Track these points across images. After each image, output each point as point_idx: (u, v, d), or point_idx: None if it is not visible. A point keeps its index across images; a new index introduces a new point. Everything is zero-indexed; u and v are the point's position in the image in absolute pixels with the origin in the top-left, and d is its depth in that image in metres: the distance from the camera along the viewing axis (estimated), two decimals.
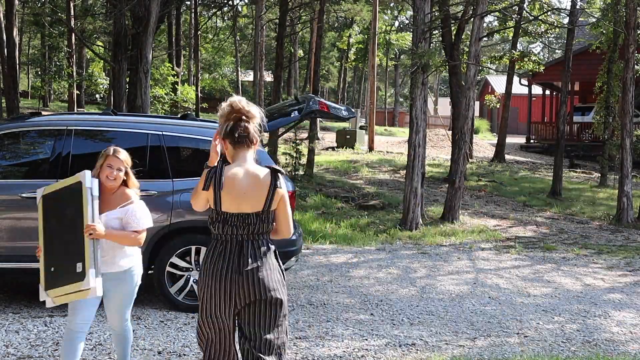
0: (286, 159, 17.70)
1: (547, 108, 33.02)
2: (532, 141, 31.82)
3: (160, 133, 6.58)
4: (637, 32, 14.38)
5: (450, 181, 12.95)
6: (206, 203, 3.58)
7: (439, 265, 9.27)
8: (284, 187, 3.54)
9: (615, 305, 7.41)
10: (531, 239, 11.61)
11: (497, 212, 14.46)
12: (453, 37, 17.13)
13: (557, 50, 57.17)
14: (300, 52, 44.88)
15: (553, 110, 31.39)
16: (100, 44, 33.26)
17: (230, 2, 30.46)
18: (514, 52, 20.33)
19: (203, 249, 6.42)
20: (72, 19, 26.26)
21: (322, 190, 15.56)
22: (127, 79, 13.66)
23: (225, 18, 35.30)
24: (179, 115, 7.89)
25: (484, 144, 31.78)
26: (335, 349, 5.59)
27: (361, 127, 28.70)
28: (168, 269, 6.39)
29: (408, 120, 14.69)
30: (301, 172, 17.41)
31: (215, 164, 3.51)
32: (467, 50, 13.84)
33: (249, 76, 49.62)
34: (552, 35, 55.75)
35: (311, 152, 18.72)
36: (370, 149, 26.02)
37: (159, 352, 5.33)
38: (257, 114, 3.54)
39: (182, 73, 29.54)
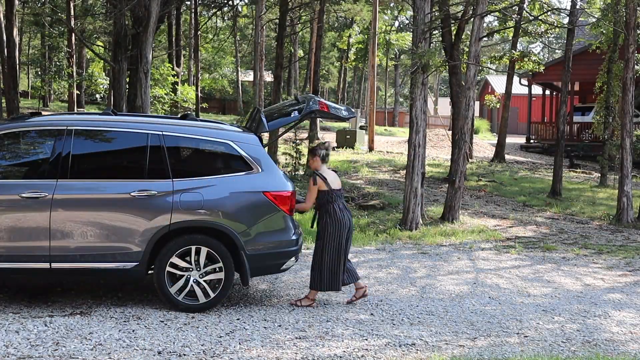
0: (286, 159, 17.71)
1: (547, 108, 33.02)
2: (532, 141, 31.82)
3: (160, 133, 6.58)
4: (637, 32, 14.38)
5: (450, 181, 12.95)
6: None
7: (439, 265, 9.27)
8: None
9: (615, 305, 7.41)
10: (531, 239, 11.61)
11: (497, 212, 14.46)
12: (453, 37, 17.13)
13: (557, 50, 57.18)
14: (300, 52, 44.87)
15: (553, 110, 31.39)
16: (100, 44, 33.27)
17: (230, 2, 30.46)
18: (514, 52, 20.33)
19: (203, 249, 6.43)
20: (72, 19, 26.28)
21: None
22: (127, 79, 13.66)
23: (225, 18, 35.29)
24: (179, 115, 7.89)
25: (484, 144, 31.78)
26: (335, 349, 5.60)
27: (361, 127, 28.71)
28: (168, 269, 6.39)
29: (408, 120, 14.70)
30: (301, 172, 17.41)
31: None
32: (467, 50, 13.84)
33: (249, 76, 49.64)
34: (552, 35, 55.77)
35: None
36: (370, 149, 26.03)
37: (159, 352, 5.33)
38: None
39: (182, 73, 29.54)
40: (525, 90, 33.75)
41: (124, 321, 6.06)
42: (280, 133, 10.08)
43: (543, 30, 18.01)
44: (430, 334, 6.13)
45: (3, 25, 18.34)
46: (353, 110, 8.17)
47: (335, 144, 26.92)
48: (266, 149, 7.17)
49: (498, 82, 45.08)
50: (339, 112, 7.72)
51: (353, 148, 26.03)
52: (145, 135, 6.55)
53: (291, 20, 28.09)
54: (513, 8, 18.77)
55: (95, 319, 6.08)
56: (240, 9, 36.07)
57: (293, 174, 16.98)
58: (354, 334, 6.04)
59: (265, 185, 6.60)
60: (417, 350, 5.67)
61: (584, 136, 29.83)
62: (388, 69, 52.83)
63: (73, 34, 26.66)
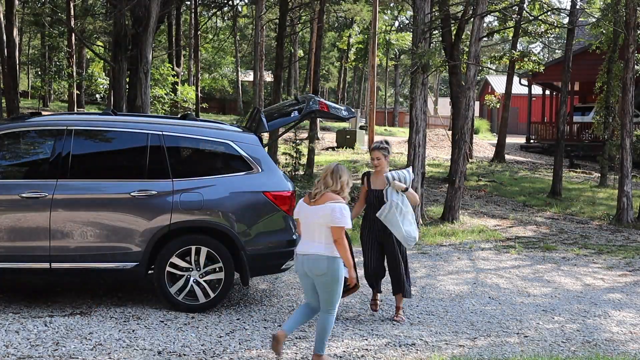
0: (286, 159, 17.70)
1: (547, 108, 33.00)
2: (532, 141, 31.81)
3: (160, 133, 6.58)
4: (637, 32, 14.38)
5: (450, 181, 12.95)
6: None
7: (439, 265, 9.27)
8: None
9: (615, 305, 7.41)
10: (531, 239, 11.61)
11: (497, 212, 14.46)
12: (453, 37, 17.12)
13: (557, 50, 57.17)
14: (300, 52, 44.87)
15: (553, 110, 31.37)
16: (100, 44, 33.28)
17: (230, 2, 30.46)
18: (514, 52, 20.32)
19: (203, 249, 6.43)
20: (72, 19, 26.27)
21: None
22: (127, 79, 13.67)
23: (225, 18, 35.30)
24: (179, 115, 7.88)
25: (484, 144, 31.77)
26: (335, 349, 5.60)
27: (361, 127, 28.70)
28: (168, 269, 6.39)
29: (408, 120, 14.70)
30: (301, 172, 17.41)
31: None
32: (467, 50, 13.83)
33: (249, 76, 49.65)
34: (552, 35, 55.73)
35: (311, 152, 18.71)
36: None
37: (159, 352, 5.33)
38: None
39: (182, 73, 29.53)
40: (525, 90, 33.73)
41: (124, 321, 6.06)
42: (280, 133, 10.08)
43: (543, 30, 18.01)
44: (430, 334, 6.13)
45: (3, 25, 18.34)
46: (353, 110, 8.17)
47: (335, 144, 26.92)
48: (266, 149, 7.17)
49: (498, 82, 45.07)
50: (339, 112, 7.72)
51: (353, 148, 26.03)
52: (145, 135, 6.55)
53: (291, 20, 28.08)
54: (513, 8, 18.76)
55: (95, 319, 6.08)
56: (240, 9, 36.08)
57: (293, 174, 16.98)
58: (354, 334, 6.04)
59: (265, 185, 6.60)
60: (417, 350, 5.67)
61: (584, 136, 29.82)
62: (388, 69, 52.83)
63: (73, 34, 26.66)
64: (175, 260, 6.40)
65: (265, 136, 13.90)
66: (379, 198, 6.42)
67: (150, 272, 6.54)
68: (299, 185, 15.40)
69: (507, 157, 26.31)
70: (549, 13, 17.19)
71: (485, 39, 15.76)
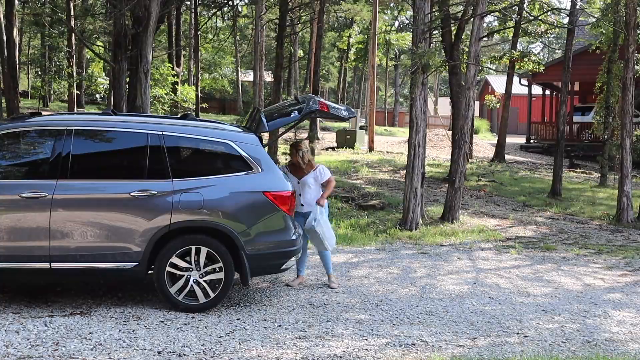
0: (286, 159, 17.70)
1: (547, 108, 33.01)
2: (532, 141, 31.82)
3: (160, 133, 6.58)
4: (637, 32, 14.37)
5: (450, 181, 12.94)
6: None
7: (439, 265, 9.27)
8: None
9: (615, 305, 7.41)
10: (531, 239, 11.61)
11: (497, 212, 14.46)
12: (453, 37, 17.12)
13: (557, 50, 57.16)
14: (300, 52, 44.88)
15: (553, 110, 31.38)
16: (100, 44, 33.24)
17: (230, 2, 30.44)
18: (514, 52, 20.33)
19: (203, 249, 6.43)
20: (72, 19, 26.26)
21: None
22: (127, 79, 13.66)
23: (225, 18, 35.27)
24: (179, 115, 7.89)
25: (484, 144, 31.77)
26: (335, 349, 5.59)
27: (361, 127, 28.69)
28: (168, 269, 6.39)
29: (408, 120, 14.70)
30: None
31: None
32: (467, 50, 13.83)
33: (249, 76, 49.61)
34: (552, 35, 55.76)
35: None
36: (370, 149, 26.02)
37: (159, 352, 5.33)
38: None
39: (182, 73, 29.54)
40: (525, 90, 33.74)
41: (124, 321, 6.06)
42: (280, 133, 10.08)
43: (543, 30, 18.03)
44: (430, 334, 6.13)
45: (3, 25, 18.35)
46: (353, 110, 8.18)
47: (335, 144, 26.92)
48: (266, 149, 7.17)
49: (498, 82, 45.05)
50: (339, 112, 7.72)
51: (353, 148, 26.02)
52: (145, 135, 6.55)
53: (291, 20, 28.09)
54: (513, 8, 18.77)
55: (95, 319, 6.08)
56: (240, 9, 36.06)
57: None
58: (354, 334, 6.04)
59: (265, 185, 6.60)
60: (417, 350, 5.67)
61: (584, 136, 29.82)
62: (388, 69, 52.82)
63: (73, 34, 26.65)
64: (175, 260, 6.40)
65: (265, 136, 13.90)
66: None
67: (150, 272, 6.54)
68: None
69: (507, 157, 26.31)
70: (549, 13, 17.19)
71: (485, 39, 15.76)
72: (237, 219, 6.48)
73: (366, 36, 40.81)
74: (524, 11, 18.80)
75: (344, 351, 5.56)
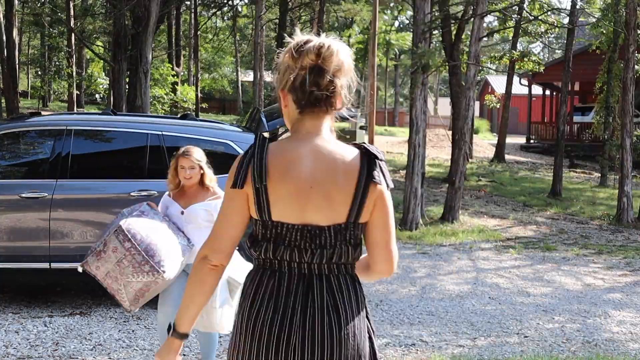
0: None
1: (547, 108, 33.00)
2: (532, 141, 31.81)
3: (160, 133, 6.57)
4: (637, 32, 14.36)
5: (450, 181, 12.94)
6: (243, 219, 2.14)
7: (439, 265, 9.26)
8: (384, 183, 2.12)
9: (615, 305, 7.40)
10: (531, 239, 11.61)
11: (497, 212, 14.46)
12: (453, 37, 17.12)
13: (557, 50, 57.14)
14: None
15: (553, 110, 31.37)
16: (100, 44, 33.23)
17: (230, 2, 30.47)
18: (514, 52, 20.28)
19: None
20: (72, 19, 26.24)
21: None
22: (127, 79, 13.67)
23: (225, 18, 35.29)
24: (179, 115, 7.88)
25: (484, 144, 31.77)
26: None
27: (361, 127, 28.66)
28: None
29: (408, 120, 14.70)
30: None
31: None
32: (467, 50, 13.83)
33: (249, 76, 49.57)
34: (552, 35, 55.70)
35: None
36: None
37: None
38: (349, 67, 2.15)
39: (182, 73, 29.53)
40: (525, 90, 33.74)
41: (124, 321, 6.06)
42: (280, 133, 10.08)
43: (543, 30, 18.00)
44: (430, 333, 6.13)
45: (3, 25, 18.34)
46: (353, 110, 8.18)
47: None
48: None
49: (498, 82, 45.05)
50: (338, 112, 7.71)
51: None
52: (145, 135, 6.55)
53: (291, 20, 28.09)
54: (513, 8, 18.76)
55: (95, 319, 6.07)
56: (240, 9, 36.07)
57: None
58: None
59: None
60: (417, 350, 5.66)
61: (584, 136, 29.81)
62: (388, 69, 52.83)
63: (73, 34, 26.63)
64: None
65: (266, 136, 13.89)
66: None
67: None
68: None
69: (507, 157, 26.30)
70: (549, 13, 17.18)
71: (485, 39, 15.75)
72: None
73: (366, 36, 40.80)
74: (524, 11, 18.79)
75: None
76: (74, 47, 29.79)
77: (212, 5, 31.47)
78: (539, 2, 17.75)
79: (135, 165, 6.57)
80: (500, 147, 25.58)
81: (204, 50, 42.44)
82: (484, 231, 11.99)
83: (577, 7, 19.36)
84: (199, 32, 30.71)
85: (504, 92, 26.17)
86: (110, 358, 5.18)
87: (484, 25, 15.68)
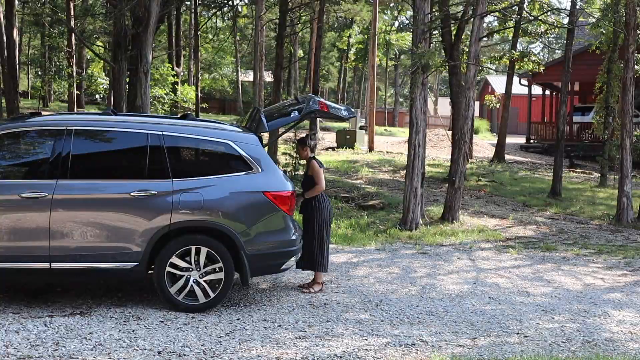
0: (286, 159, 17.69)
1: (547, 108, 33.01)
2: (532, 141, 31.82)
3: (160, 133, 6.58)
4: (637, 32, 14.37)
5: (450, 181, 12.94)
6: None
7: (439, 265, 9.27)
8: None
9: (615, 305, 7.41)
10: (531, 239, 11.61)
11: (497, 212, 14.46)
12: (453, 37, 17.12)
13: (557, 50, 57.17)
14: (300, 52, 44.88)
15: (553, 110, 31.39)
16: (100, 44, 33.24)
17: (230, 2, 30.47)
18: (514, 52, 20.33)
19: (203, 249, 6.43)
20: (72, 19, 26.27)
21: None
22: (127, 79, 13.67)
23: (225, 18, 35.31)
24: (179, 115, 7.89)
25: (484, 144, 31.78)
26: (335, 349, 5.59)
27: (361, 127, 28.70)
28: (168, 269, 6.39)
29: (408, 120, 14.70)
30: (301, 172, 17.39)
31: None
32: (467, 50, 13.83)
33: (249, 76, 49.61)
34: (552, 35, 55.76)
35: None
36: (370, 149, 26.02)
37: (159, 352, 5.33)
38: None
39: (182, 73, 29.54)
40: (525, 90, 33.75)
41: (124, 321, 6.06)
42: (280, 133, 10.08)
43: (543, 30, 18.02)
44: (430, 333, 6.13)
45: (3, 26, 18.34)
46: (353, 110, 8.18)
47: (335, 144, 26.92)
48: (266, 149, 7.17)
49: (498, 82, 45.06)
50: (338, 112, 7.73)
51: (353, 148, 26.02)
52: (145, 135, 6.55)
53: (291, 20, 28.10)
54: (513, 8, 18.77)
55: (95, 319, 6.08)
56: (240, 9, 36.07)
57: (293, 174, 16.97)
58: (354, 334, 6.04)
59: (265, 185, 6.61)
60: (417, 350, 5.67)
61: (584, 136, 29.83)
62: (388, 69, 52.83)
63: (73, 34, 26.66)
64: (175, 260, 6.40)
65: (265, 136, 13.90)
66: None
67: (150, 272, 6.54)
68: (299, 185, 15.38)
69: (507, 157, 26.31)
70: (549, 13, 17.18)
71: (485, 39, 15.76)
72: (237, 219, 6.48)
73: (366, 36, 40.83)
74: (524, 11, 18.80)
75: (344, 351, 5.56)
76: (74, 47, 29.81)
77: (212, 5, 31.48)
78: (538, 2, 17.76)
79: (135, 165, 6.57)
80: (500, 147, 25.60)
81: (204, 51, 42.47)
82: (484, 231, 12.00)
83: (577, 7, 19.37)
84: (199, 32, 30.71)
85: (504, 92, 26.19)
86: (110, 358, 5.18)
87: (484, 25, 15.69)
